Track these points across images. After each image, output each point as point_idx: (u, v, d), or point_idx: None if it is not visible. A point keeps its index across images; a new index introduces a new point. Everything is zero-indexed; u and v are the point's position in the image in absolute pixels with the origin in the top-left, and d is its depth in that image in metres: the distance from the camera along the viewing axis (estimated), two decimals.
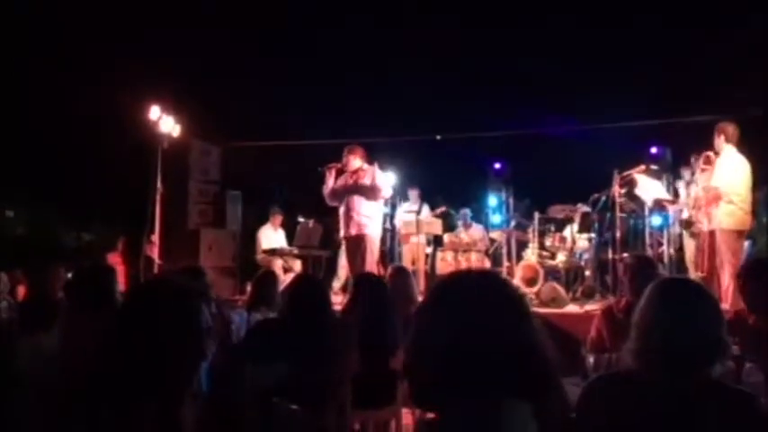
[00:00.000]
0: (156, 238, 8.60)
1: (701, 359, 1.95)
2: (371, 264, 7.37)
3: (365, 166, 7.58)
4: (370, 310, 4.26)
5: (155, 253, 8.61)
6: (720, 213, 6.40)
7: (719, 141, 6.50)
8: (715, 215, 6.44)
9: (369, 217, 7.49)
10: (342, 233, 7.77)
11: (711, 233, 6.51)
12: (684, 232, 7.64)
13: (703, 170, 6.68)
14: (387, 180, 7.57)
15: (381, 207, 7.93)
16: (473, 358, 1.40)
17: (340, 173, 7.65)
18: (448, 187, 10.26)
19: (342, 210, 7.64)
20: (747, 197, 6.43)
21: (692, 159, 7.14)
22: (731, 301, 6.13)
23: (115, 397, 1.66)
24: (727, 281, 6.29)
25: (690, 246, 7.45)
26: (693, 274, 7.15)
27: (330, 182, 7.63)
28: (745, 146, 6.52)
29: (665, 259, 7.69)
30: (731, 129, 6.46)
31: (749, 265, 4.48)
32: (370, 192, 7.46)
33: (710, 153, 6.63)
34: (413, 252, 9.37)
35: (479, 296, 1.47)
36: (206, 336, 1.81)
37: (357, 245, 7.49)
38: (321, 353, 3.42)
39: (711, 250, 6.49)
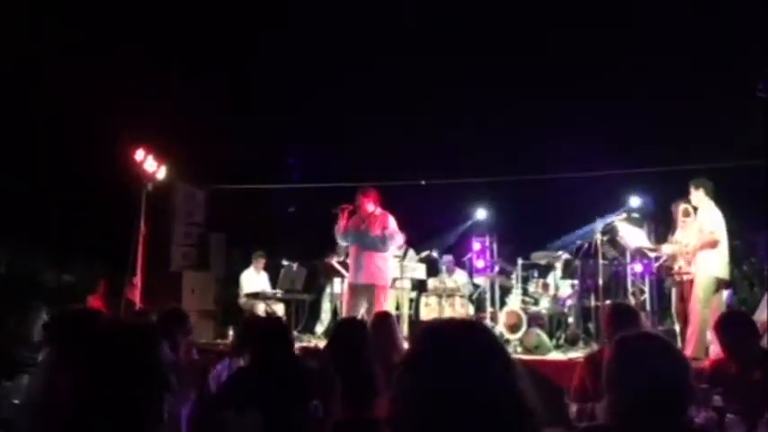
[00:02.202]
0: (137, 280, 8.53)
1: (666, 410, 1.99)
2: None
3: (378, 211, 7.47)
4: (351, 355, 4.22)
5: (136, 296, 8.52)
6: (703, 262, 6.50)
7: (698, 195, 6.68)
8: (701, 264, 6.55)
9: (380, 268, 7.40)
10: (349, 278, 7.70)
11: (691, 282, 6.61)
12: (668, 282, 7.70)
13: (684, 222, 6.81)
14: (395, 226, 7.44)
15: (393, 256, 7.84)
16: (457, 409, 1.40)
17: (352, 214, 7.53)
18: (432, 232, 10.30)
19: (352, 253, 7.56)
20: (726, 247, 6.62)
21: (672, 209, 7.26)
22: (693, 346, 6.19)
23: None
24: (692, 329, 6.37)
25: (674, 295, 7.51)
26: (678, 325, 7.22)
27: (342, 223, 7.49)
28: (724, 196, 6.71)
29: (647, 307, 7.73)
30: (708, 184, 6.68)
31: (731, 314, 4.55)
32: (383, 242, 7.35)
33: (688, 206, 6.77)
34: (397, 297, 9.34)
35: (462, 347, 1.47)
36: (166, 370, 1.81)
37: (365, 293, 7.37)
38: (294, 400, 3.39)
39: (687, 298, 6.60)
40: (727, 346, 4.00)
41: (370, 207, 7.47)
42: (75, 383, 1.71)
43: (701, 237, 6.56)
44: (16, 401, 3.65)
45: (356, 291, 7.49)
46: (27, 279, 12.07)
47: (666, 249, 7.32)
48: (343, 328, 4.65)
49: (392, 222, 7.45)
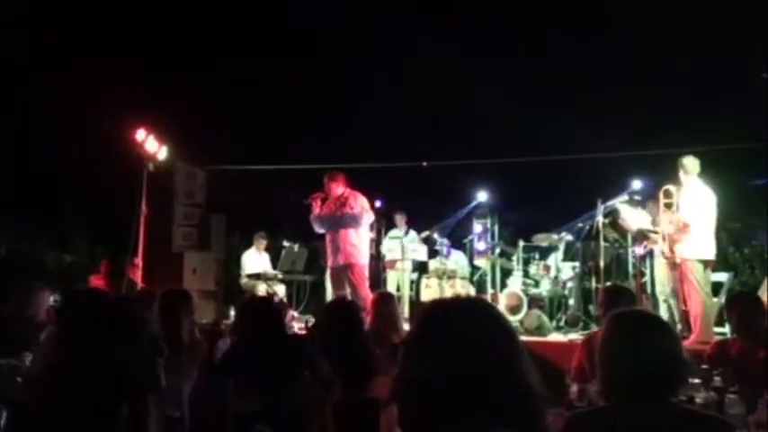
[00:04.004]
0: (139, 261, 8.54)
1: (659, 389, 2.00)
2: (366, 289, 7.36)
3: (347, 192, 7.64)
4: (343, 336, 4.23)
5: (137, 276, 8.54)
6: (686, 245, 6.47)
7: (681, 174, 6.64)
8: (681, 247, 6.52)
9: (355, 246, 7.54)
10: (329, 263, 7.77)
11: (680, 264, 6.58)
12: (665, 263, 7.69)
13: (667, 204, 6.75)
14: (368, 205, 7.64)
15: (368, 234, 7.96)
16: (462, 387, 1.40)
17: (324, 200, 7.70)
18: (433, 214, 10.29)
19: (328, 238, 7.69)
20: (712, 227, 6.53)
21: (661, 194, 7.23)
22: (698, 330, 6.19)
23: (83, 407, 1.67)
24: (695, 313, 6.35)
25: (660, 274, 7.49)
26: (663, 306, 7.23)
27: (316, 211, 7.70)
28: (717, 177, 6.67)
29: (648, 289, 7.73)
30: (689, 161, 6.61)
31: (738, 294, 4.59)
32: (354, 220, 7.51)
33: (670, 186, 6.72)
34: (398, 278, 9.36)
35: (469, 324, 1.47)
36: (156, 337, 1.84)
37: (345, 273, 7.51)
38: (293, 378, 3.41)
39: (681, 281, 6.58)
40: (733, 324, 4.04)
41: (339, 190, 7.65)
42: (70, 354, 1.72)
43: (686, 219, 6.50)
44: (19, 379, 3.68)
45: (337, 273, 7.62)
46: (29, 259, 12.10)
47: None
48: (328, 311, 4.65)
49: (361, 199, 7.60)
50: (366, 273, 7.71)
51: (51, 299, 6.23)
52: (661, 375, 1.99)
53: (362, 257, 7.64)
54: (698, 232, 6.47)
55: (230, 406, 3.16)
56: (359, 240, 7.60)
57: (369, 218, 7.68)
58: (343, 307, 4.73)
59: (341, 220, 7.54)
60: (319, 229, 7.85)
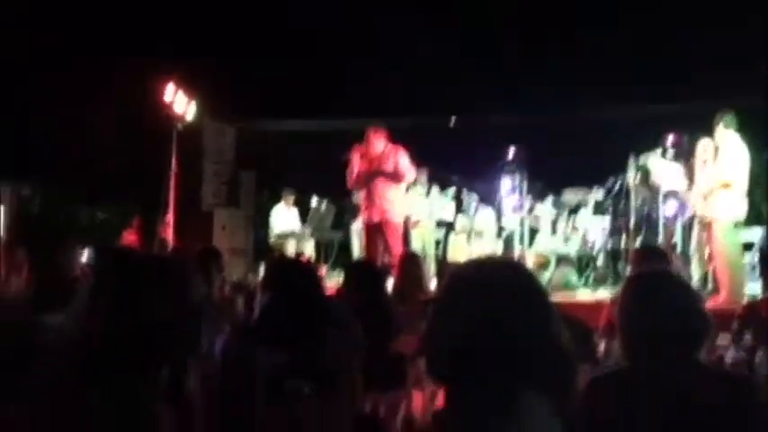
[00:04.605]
0: (170, 218, 8.66)
1: (678, 347, 1.98)
2: (398, 249, 7.31)
3: (388, 148, 7.49)
4: (369, 294, 4.28)
5: (168, 234, 8.67)
6: (721, 203, 6.37)
7: (719, 130, 6.49)
8: (715, 205, 6.42)
9: (392, 202, 7.45)
10: (363, 218, 7.75)
11: (710, 224, 6.49)
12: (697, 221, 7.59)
13: (704, 161, 6.65)
14: (409, 163, 7.49)
15: (403, 192, 7.89)
16: (491, 346, 1.40)
17: (363, 156, 7.55)
18: (460, 170, 10.22)
19: (364, 194, 7.63)
20: (745, 187, 6.43)
21: (699, 148, 7.09)
22: (729, 290, 6.13)
23: (123, 368, 1.70)
24: (724, 273, 6.29)
25: (696, 236, 7.40)
26: (696, 266, 7.14)
27: (355, 166, 7.52)
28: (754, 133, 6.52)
29: (678, 249, 7.64)
30: (728, 117, 6.46)
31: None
32: (393, 177, 7.41)
33: (707, 142, 6.59)
34: (422, 237, 9.34)
35: (500, 284, 1.47)
36: (200, 300, 1.85)
37: (379, 231, 7.47)
38: (324, 335, 3.45)
39: (713, 240, 6.49)
40: (763, 281, 4.00)
41: (381, 145, 7.46)
42: (112, 313, 1.75)
43: (716, 179, 6.39)
44: (53, 336, 3.78)
45: (371, 230, 7.57)
46: (62, 217, 12.33)
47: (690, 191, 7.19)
48: (355, 271, 4.72)
49: (403, 157, 7.44)
50: (400, 231, 7.67)
51: (84, 256, 6.37)
52: (679, 333, 1.98)
53: (398, 215, 7.57)
54: (735, 191, 6.37)
55: (260, 362, 3.21)
56: (395, 198, 7.51)
57: (410, 175, 7.56)
58: (366, 267, 4.78)
59: (379, 175, 7.41)
60: (355, 184, 7.72)
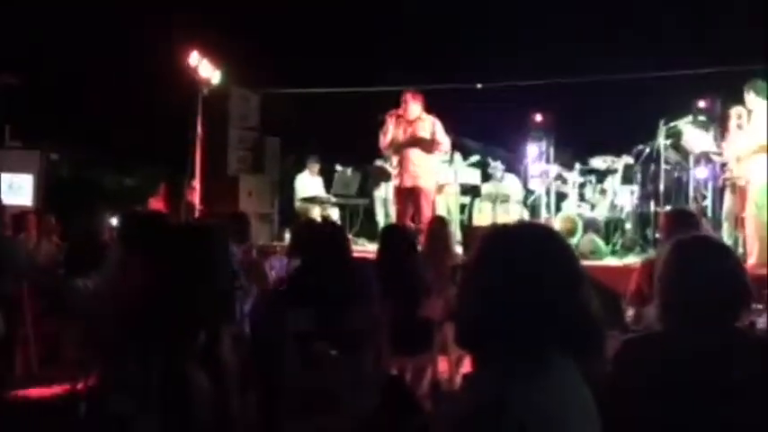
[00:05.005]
0: (196, 183, 8.71)
1: (719, 313, 1.96)
2: (429, 214, 7.30)
3: (424, 115, 7.46)
4: (397, 259, 4.29)
5: (195, 198, 8.73)
6: (758, 166, 6.27)
7: (750, 97, 6.42)
8: (751, 168, 6.32)
9: (425, 169, 7.46)
10: (395, 182, 7.75)
11: (744, 187, 6.41)
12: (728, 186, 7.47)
13: (738, 126, 6.54)
14: (444, 132, 7.45)
15: (438, 159, 7.86)
16: (521, 310, 1.39)
17: (399, 119, 7.51)
18: (487, 136, 10.12)
19: (397, 159, 7.61)
20: None
21: (732, 114, 6.95)
22: (756, 255, 6.06)
23: (161, 333, 1.72)
24: (753, 236, 6.21)
25: (728, 201, 7.28)
26: (727, 231, 7.03)
27: (390, 129, 7.48)
28: None
29: (709, 213, 7.53)
30: (761, 84, 6.37)
31: None
32: (429, 144, 7.39)
33: (741, 107, 6.52)
34: (447, 202, 9.29)
35: (530, 248, 1.45)
36: (232, 272, 1.87)
37: (411, 196, 7.47)
38: (349, 299, 3.47)
39: (746, 203, 6.41)
40: None
41: (417, 110, 7.41)
42: (150, 279, 1.77)
43: (754, 142, 6.30)
44: (86, 297, 3.84)
45: (403, 194, 7.56)
46: (91, 183, 12.48)
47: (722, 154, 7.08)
48: (385, 236, 4.76)
49: (439, 126, 7.42)
50: (432, 197, 7.66)
51: (113, 220, 6.45)
52: (721, 299, 1.96)
53: (430, 181, 7.58)
54: None
55: (289, 325, 3.24)
56: (429, 164, 7.51)
57: (445, 145, 7.53)
58: (398, 232, 4.80)
59: (415, 142, 7.40)
60: (389, 148, 7.67)
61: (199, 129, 8.68)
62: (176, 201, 8.89)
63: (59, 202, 9.47)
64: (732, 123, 6.74)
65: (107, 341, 1.82)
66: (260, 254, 5.28)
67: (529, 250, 1.45)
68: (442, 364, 4.51)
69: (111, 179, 13.27)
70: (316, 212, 9.48)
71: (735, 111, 6.65)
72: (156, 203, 9.44)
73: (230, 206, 8.24)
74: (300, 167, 10.28)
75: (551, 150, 8.94)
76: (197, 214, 8.46)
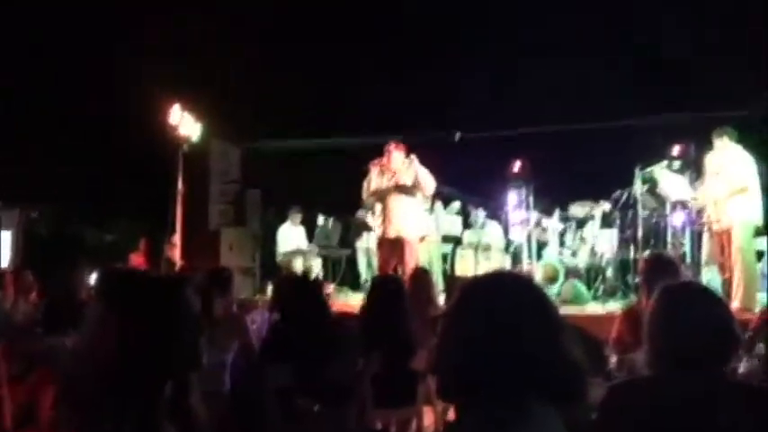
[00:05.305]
0: (176, 239, 8.67)
1: (707, 359, 1.98)
2: (413, 265, 7.23)
3: (407, 162, 7.43)
4: (388, 311, 4.26)
5: (175, 254, 8.67)
6: (739, 208, 6.38)
7: (723, 143, 6.58)
8: (732, 211, 6.41)
9: (409, 219, 7.41)
10: (379, 232, 7.73)
11: (727, 231, 6.48)
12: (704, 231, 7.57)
13: (714, 169, 6.68)
14: (428, 174, 7.40)
15: (423, 207, 7.84)
16: (501, 360, 1.39)
17: (382, 169, 7.51)
18: (466, 185, 10.22)
19: (380, 209, 7.61)
20: (759, 191, 6.51)
21: (707, 159, 7.10)
22: (742, 297, 6.10)
23: (137, 390, 1.71)
24: (739, 279, 6.26)
25: (707, 245, 7.38)
26: (705, 275, 7.10)
27: (374, 179, 7.49)
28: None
29: (687, 258, 7.60)
30: (731, 130, 6.58)
31: None
32: (413, 189, 7.36)
33: (716, 151, 6.66)
34: (429, 251, 9.30)
35: (507, 299, 1.46)
36: (195, 320, 1.87)
37: (395, 246, 7.42)
38: (330, 353, 3.44)
39: (729, 247, 6.47)
40: None
41: (400, 160, 7.42)
42: (121, 335, 1.76)
43: (731, 185, 6.43)
44: (63, 356, 3.78)
45: (386, 244, 7.53)
46: (70, 239, 12.37)
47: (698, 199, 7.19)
48: (378, 285, 4.71)
49: (422, 170, 7.37)
50: (415, 248, 7.61)
51: (92, 277, 6.37)
52: (710, 345, 1.98)
53: (414, 232, 7.52)
54: (751, 195, 6.43)
55: (270, 380, 3.21)
56: (412, 213, 7.47)
57: (430, 186, 7.45)
58: (385, 283, 4.77)
59: (398, 189, 7.37)
60: (371, 197, 7.69)
61: (180, 183, 8.68)
62: (156, 256, 8.83)
63: (38, 259, 9.36)
64: (707, 168, 6.85)
65: (84, 400, 1.79)
66: (241, 308, 5.23)
67: (508, 300, 1.46)
68: (428, 416, 4.46)
69: (92, 235, 13.17)
70: (298, 264, 9.45)
71: (709, 156, 6.77)
72: (137, 259, 9.37)
73: (211, 260, 8.19)
74: (282, 219, 10.28)
75: (531, 198, 9.04)
76: (177, 269, 8.39)
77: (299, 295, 3.73)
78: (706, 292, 2.18)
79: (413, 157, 7.42)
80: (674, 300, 2.09)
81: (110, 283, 3.55)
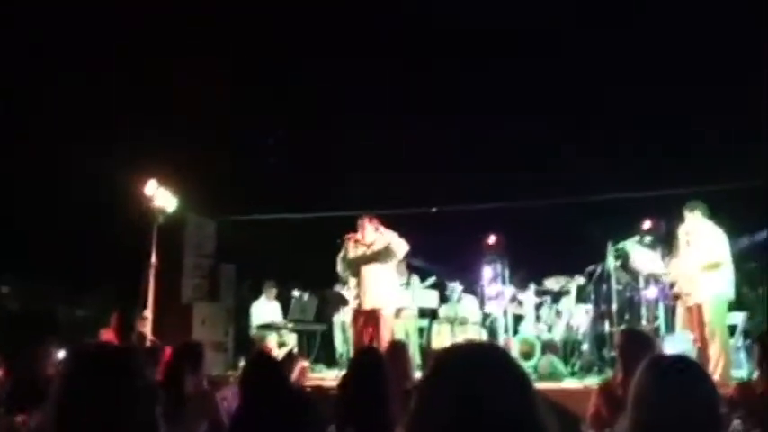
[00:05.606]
0: (148, 313, 8.52)
1: None
2: (388, 339, 7.21)
3: (379, 231, 7.54)
4: (365, 385, 4.18)
5: (147, 328, 8.50)
6: (711, 284, 6.44)
7: (695, 217, 6.68)
8: (705, 286, 6.47)
9: (384, 291, 7.45)
10: (354, 305, 7.70)
11: (699, 306, 6.52)
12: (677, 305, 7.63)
13: (687, 242, 6.77)
14: (402, 243, 7.49)
15: (397, 280, 7.86)
16: (475, 429, 1.37)
17: (356, 243, 7.60)
18: (441, 259, 10.25)
19: (355, 281, 7.61)
20: (731, 266, 6.60)
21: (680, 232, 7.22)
22: (720, 373, 6.10)
23: None
24: (717, 355, 6.27)
25: (680, 318, 7.42)
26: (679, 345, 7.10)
27: (350, 252, 7.57)
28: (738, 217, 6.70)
29: (662, 332, 7.62)
30: (702, 205, 6.72)
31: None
32: (385, 255, 7.41)
33: (688, 227, 6.76)
34: (405, 326, 9.25)
35: (481, 368, 1.45)
36: (150, 387, 1.83)
37: (370, 319, 7.41)
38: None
39: (701, 322, 6.50)
40: (763, 364, 3.98)
41: (373, 231, 7.52)
42: (66, 407, 1.73)
43: (703, 260, 6.51)
44: None
45: (361, 317, 7.52)
46: (39, 316, 12.10)
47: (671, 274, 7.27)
48: (356, 359, 4.65)
49: (394, 236, 7.48)
50: (391, 321, 7.61)
51: (61, 353, 6.20)
52: (699, 422, 1.96)
53: (389, 304, 7.55)
54: (723, 271, 6.50)
55: None
56: (387, 286, 7.51)
57: (401, 250, 7.49)
58: (369, 356, 4.69)
59: (372, 259, 7.43)
60: (344, 273, 7.76)
61: (153, 257, 8.59)
62: (127, 331, 8.64)
63: (6, 337, 9.12)
64: (680, 242, 6.94)
65: None
66: (213, 385, 5.11)
67: (481, 368, 1.45)
68: None
69: (63, 310, 12.90)
70: (272, 339, 9.30)
71: (682, 229, 6.85)
72: (107, 335, 9.15)
73: (183, 335, 8.04)
74: (257, 294, 10.17)
75: (506, 272, 9.07)
76: (148, 344, 8.21)
77: (257, 371, 3.66)
78: (694, 366, 2.17)
79: (382, 229, 7.51)
80: (664, 372, 2.08)
81: (66, 360, 3.48)
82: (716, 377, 6.10)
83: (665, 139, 10.30)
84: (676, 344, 6.84)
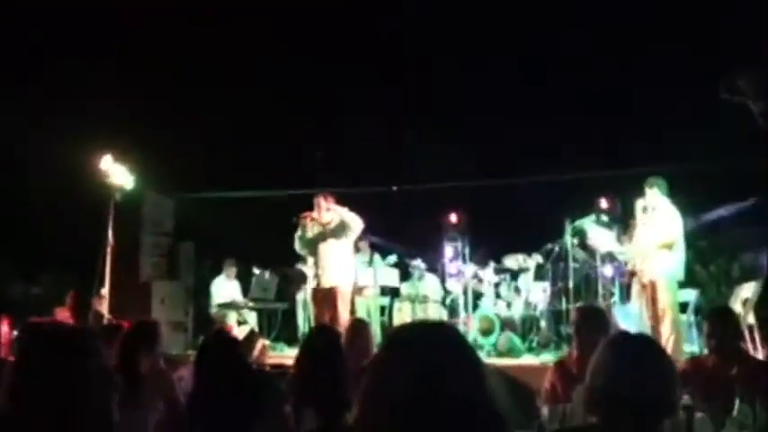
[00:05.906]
0: (105, 292, 8.38)
1: (648, 414, 1.99)
2: (346, 315, 7.29)
3: (333, 210, 7.56)
4: (322, 363, 4.18)
5: (104, 307, 8.37)
6: (662, 263, 6.56)
7: (653, 193, 6.72)
8: (657, 265, 6.60)
9: (341, 268, 7.49)
10: (313, 284, 7.72)
11: (653, 283, 6.65)
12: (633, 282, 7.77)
13: (643, 222, 6.86)
14: (356, 218, 7.50)
15: (353, 257, 7.90)
16: (424, 410, 1.38)
17: (313, 221, 7.63)
18: (403, 237, 10.28)
19: (313, 260, 7.61)
20: (683, 247, 6.70)
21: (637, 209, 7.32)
22: (672, 348, 6.26)
23: None
24: (668, 331, 6.43)
25: (635, 296, 7.56)
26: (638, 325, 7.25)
27: (308, 231, 7.61)
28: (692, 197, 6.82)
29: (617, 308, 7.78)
30: (662, 182, 6.76)
31: (719, 310, 4.70)
32: (341, 231, 7.43)
33: (646, 204, 6.82)
34: (367, 304, 9.29)
35: (439, 347, 1.46)
36: (104, 370, 1.79)
37: (328, 298, 7.44)
38: (254, 413, 3.35)
39: (654, 299, 6.64)
40: (712, 340, 4.09)
41: (330, 212, 7.56)
42: (15, 390, 1.68)
43: (658, 239, 6.62)
44: None
45: (320, 296, 7.56)
46: None
47: (626, 251, 7.38)
48: (311, 337, 4.63)
49: (346, 212, 7.50)
50: (348, 299, 7.65)
51: (15, 332, 6.08)
52: (659, 399, 2.00)
53: (347, 282, 7.59)
54: (675, 251, 6.61)
55: None
56: (346, 263, 7.55)
57: (357, 224, 7.48)
58: (323, 334, 4.67)
59: (329, 236, 7.47)
60: (301, 251, 7.81)
61: (110, 234, 8.44)
62: (83, 310, 8.49)
63: None
64: (637, 219, 7.03)
65: None
66: (170, 364, 5.06)
67: (431, 345, 1.45)
68: None
69: (18, 289, 12.63)
70: (232, 318, 9.25)
71: (640, 203, 6.87)
72: (62, 313, 8.98)
73: (142, 314, 7.92)
74: (217, 272, 10.09)
75: (467, 250, 9.15)
76: (105, 323, 8.09)
77: (214, 350, 3.63)
78: (654, 344, 2.22)
79: (333, 205, 7.54)
80: (624, 348, 2.11)
81: (20, 338, 3.41)
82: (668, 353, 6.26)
83: (623, 119, 10.42)
84: (627, 315, 7.01)
